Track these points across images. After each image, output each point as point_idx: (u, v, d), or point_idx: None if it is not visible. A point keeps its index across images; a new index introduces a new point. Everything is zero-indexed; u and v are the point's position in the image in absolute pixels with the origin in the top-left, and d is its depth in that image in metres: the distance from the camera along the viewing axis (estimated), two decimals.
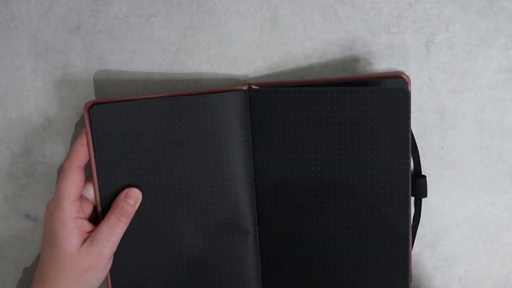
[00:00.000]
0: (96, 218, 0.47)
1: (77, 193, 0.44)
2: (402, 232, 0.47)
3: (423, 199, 0.49)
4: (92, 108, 0.44)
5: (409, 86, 0.45)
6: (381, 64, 0.48)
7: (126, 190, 0.45)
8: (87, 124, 0.44)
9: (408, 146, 0.45)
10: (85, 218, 0.45)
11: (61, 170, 0.47)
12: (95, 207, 0.46)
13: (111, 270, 0.47)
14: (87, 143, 0.45)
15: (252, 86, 0.46)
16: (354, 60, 0.48)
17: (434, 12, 0.47)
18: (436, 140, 0.49)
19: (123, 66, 0.48)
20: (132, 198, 0.45)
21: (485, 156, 0.49)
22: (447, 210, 0.51)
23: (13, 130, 0.49)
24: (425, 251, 0.51)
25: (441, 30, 0.47)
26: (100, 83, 0.48)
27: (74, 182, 0.44)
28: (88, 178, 0.46)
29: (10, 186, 0.50)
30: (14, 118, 0.49)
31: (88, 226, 0.45)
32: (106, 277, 0.47)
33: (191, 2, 0.47)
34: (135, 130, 0.45)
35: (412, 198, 0.49)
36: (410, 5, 0.47)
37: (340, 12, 0.47)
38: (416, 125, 0.48)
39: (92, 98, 0.48)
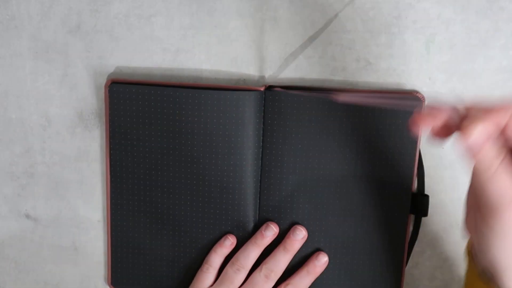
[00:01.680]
0: None
1: None
2: (397, 249, 0.48)
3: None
4: (111, 85, 0.45)
5: (423, 105, 0.46)
6: (381, 64, 0.48)
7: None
8: (106, 101, 0.45)
9: (414, 161, 0.46)
10: None
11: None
12: None
13: (111, 252, 0.48)
14: (105, 120, 0.46)
15: (270, 88, 0.46)
16: (354, 60, 0.48)
17: (434, 12, 0.47)
18: None
19: (123, 66, 0.48)
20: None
21: None
22: (447, 210, 0.51)
23: (13, 130, 0.49)
24: (425, 251, 0.51)
25: (441, 30, 0.47)
26: (100, 83, 0.48)
27: None
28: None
29: (10, 186, 0.50)
30: (14, 118, 0.49)
31: None
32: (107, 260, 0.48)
33: (191, 2, 0.47)
34: (150, 114, 0.45)
35: (412, 216, 0.49)
36: (410, 5, 0.47)
37: (340, 12, 0.47)
38: None
39: (92, 98, 0.48)
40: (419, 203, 0.48)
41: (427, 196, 0.48)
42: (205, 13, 0.47)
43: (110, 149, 0.46)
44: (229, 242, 0.47)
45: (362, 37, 0.47)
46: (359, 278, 0.48)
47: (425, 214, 0.48)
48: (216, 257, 0.48)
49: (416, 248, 0.51)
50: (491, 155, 0.32)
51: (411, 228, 0.49)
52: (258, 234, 0.47)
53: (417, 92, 0.47)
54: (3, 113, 0.49)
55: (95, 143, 0.49)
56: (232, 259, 0.47)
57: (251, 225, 0.48)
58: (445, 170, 0.50)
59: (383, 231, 0.48)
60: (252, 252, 0.47)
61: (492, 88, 0.48)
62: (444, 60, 0.48)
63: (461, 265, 0.52)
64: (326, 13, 0.47)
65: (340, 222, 0.48)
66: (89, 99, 0.48)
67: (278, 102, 0.46)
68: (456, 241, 0.51)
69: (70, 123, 0.49)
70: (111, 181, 0.47)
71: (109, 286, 0.49)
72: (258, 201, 0.48)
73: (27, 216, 0.51)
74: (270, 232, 0.47)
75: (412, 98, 0.46)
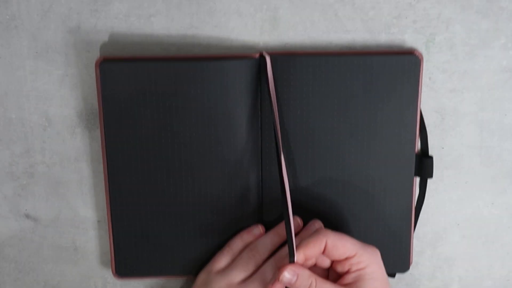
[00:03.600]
0: None
1: None
2: (405, 211, 0.47)
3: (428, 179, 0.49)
4: (102, 64, 0.44)
5: (421, 64, 0.45)
6: None
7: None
8: (97, 81, 0.44)
9: (415, 122, 0.46)
10: None
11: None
12: None
13: (112, 229, 0.48)
14: (97, 99, 0.45)
15: (264, 54, 0.45)
16: None
17: (434, 12, 0.47)
18: (436, 140, 0.49)
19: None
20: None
21: (485, 156, 0.49)
22: (447, 210, 0.51)
23: (13, 130, 0.49)
24: (425, 251, 0.51)
25: (441, 30, 0.47)
26: None
27: None
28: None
29: (10, 186, 0.50)
30: (14, 118, 0.49)
31: None
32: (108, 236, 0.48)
33: (191, 2, 0.47)
34: (144, 91, 0.45)
35: (418, 179, 0.49)
36: (410, 5, 0.47)
37: (340, 12, 0.47)
38: None
39: (92, 98, 0.48)
40: (423, 165, 0.48)
41: (431, 157, 0.48)
42: (205, 13, 0.47)
43: (105, 133, 0.45)
44: (258, 231, 0.47)
45: (362, 37, 0.47)
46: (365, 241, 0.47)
47: (430, 175, 0.48)
48: (240, 243, 0.47)
49: (416, 248, 0.51)
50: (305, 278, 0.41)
51: (417, 192, 0.49)
52: (281, 224, 0.47)
53: (415, 50, 0.47)
54: (3, 113, 0.49)
55: (95, 143, 0.49)
56: (251, 245, 0.47)
57: (254, 198, 0.47)
58: (445, 170, 0.50)
59: (389, 195, 0.47)
60: (271, 241, 0.46)
61: (492, 88, 0.48)
62: (444, 60, 0.48)
63: (461, 265, 0.52)
64: (326, 13, 0.47)
65: (345, 187, 0.47)
66: (89, 99, 0.48)
67: (274, 68, 0.45)
68: (456, 241, 0.51)
69: (70, 123, 0.49)
70: (108, 166, 0.46)
71: (113, 274, 0.49)
72: (261, 172, 0.47)
73: (27, 216, 0.51)
74: (294, 224, 0.45)
75: (410, 56, 0.46)
